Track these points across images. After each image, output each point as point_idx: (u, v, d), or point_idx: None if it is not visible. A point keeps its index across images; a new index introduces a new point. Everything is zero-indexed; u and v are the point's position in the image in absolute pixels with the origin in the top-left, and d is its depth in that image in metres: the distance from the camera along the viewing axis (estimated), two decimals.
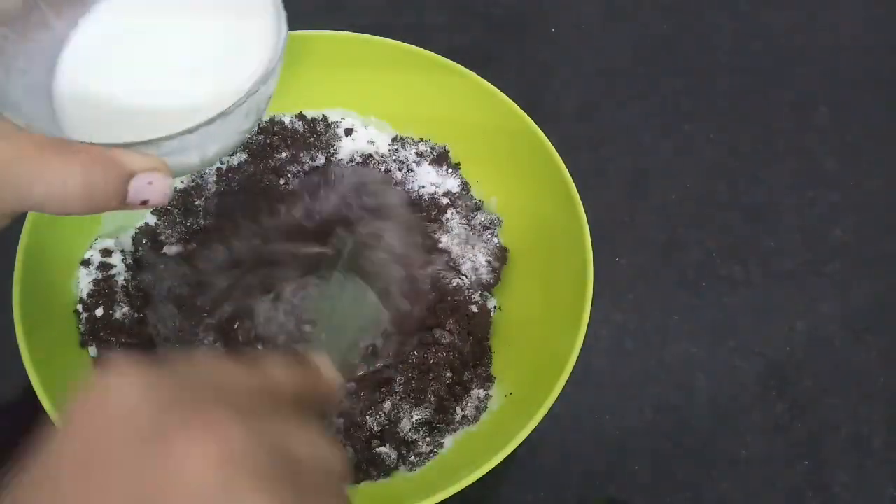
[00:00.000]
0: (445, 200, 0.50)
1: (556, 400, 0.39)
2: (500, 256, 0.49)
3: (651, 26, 0.64)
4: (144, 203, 0.28)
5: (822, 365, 0.51)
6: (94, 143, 0.27)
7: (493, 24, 0.63)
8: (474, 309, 0.47)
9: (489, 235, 0.49)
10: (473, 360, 0.46)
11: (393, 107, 0.51)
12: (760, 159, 0.59)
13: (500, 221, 0.50)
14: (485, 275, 0.48)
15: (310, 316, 0.44)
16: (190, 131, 0.29)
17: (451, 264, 0.48)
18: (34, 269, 0.41)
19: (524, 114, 0.47)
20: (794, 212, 0.57)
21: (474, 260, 0.48)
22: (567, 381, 0.39)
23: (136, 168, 0.27)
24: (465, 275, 0.48)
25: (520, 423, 0.38)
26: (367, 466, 0.42)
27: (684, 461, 0.48)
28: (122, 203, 0.27)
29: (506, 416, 0.43)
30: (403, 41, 0.48)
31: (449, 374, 0.45)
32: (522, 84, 0.60)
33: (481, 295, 0.48)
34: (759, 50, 0.64)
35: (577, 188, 0.44)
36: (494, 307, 0.48)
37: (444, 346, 0.45)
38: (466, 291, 0.47)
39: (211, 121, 0.29)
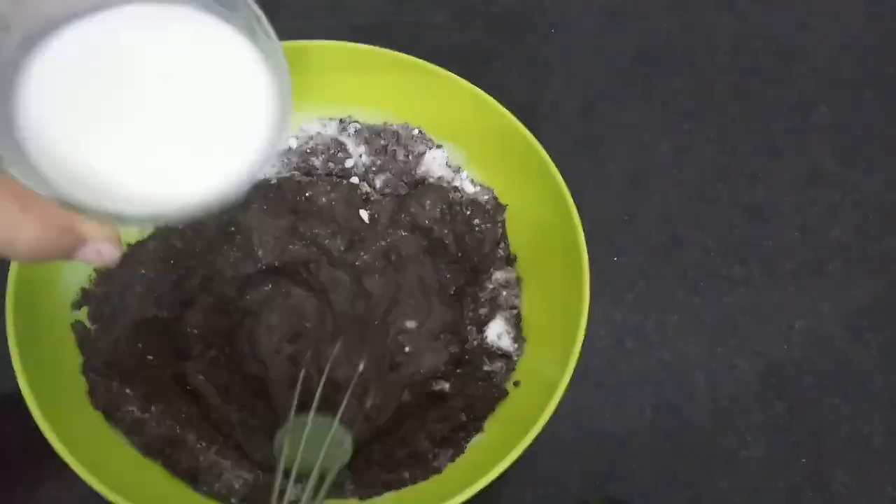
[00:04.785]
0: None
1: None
2: (517, 325, 0.46)
3: (651, 26, 0.64)
4: (87, 261, 0.28)
5: (821, 364, 0.51)
6: (58, 200, 0.24)
7: (493, 24, 0.63)
8: (496, 387, 0.43)
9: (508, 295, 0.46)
10: (473, 418, 0.42)
11: (401, 115, 0.50)
12: (760, 159, 0.59)
13: (520, 281, 0.47)
14: (506, 344, 0.45)
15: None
16: (157, 220, 0.27)
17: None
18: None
19: (516, 119, 0.46)
20: (794, 211, 0.57)
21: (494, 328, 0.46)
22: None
23: (91, 237, 0.27)
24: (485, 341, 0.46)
25: (501, 452, 0.37)
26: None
27: (684, 461, 0.48)
28: (67, 259, 0.28)
29: (490, 444, 0.41)
30: (402, 40, 0.48)
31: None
32: (522, 84, 0.60)
33: (499, 367, 0.44)
34: (759, 50, 0.64)
35: (576, 188, 0.44)
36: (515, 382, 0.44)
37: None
38: (480, 357, 0.45)
39: (179, 213, 0.26)
